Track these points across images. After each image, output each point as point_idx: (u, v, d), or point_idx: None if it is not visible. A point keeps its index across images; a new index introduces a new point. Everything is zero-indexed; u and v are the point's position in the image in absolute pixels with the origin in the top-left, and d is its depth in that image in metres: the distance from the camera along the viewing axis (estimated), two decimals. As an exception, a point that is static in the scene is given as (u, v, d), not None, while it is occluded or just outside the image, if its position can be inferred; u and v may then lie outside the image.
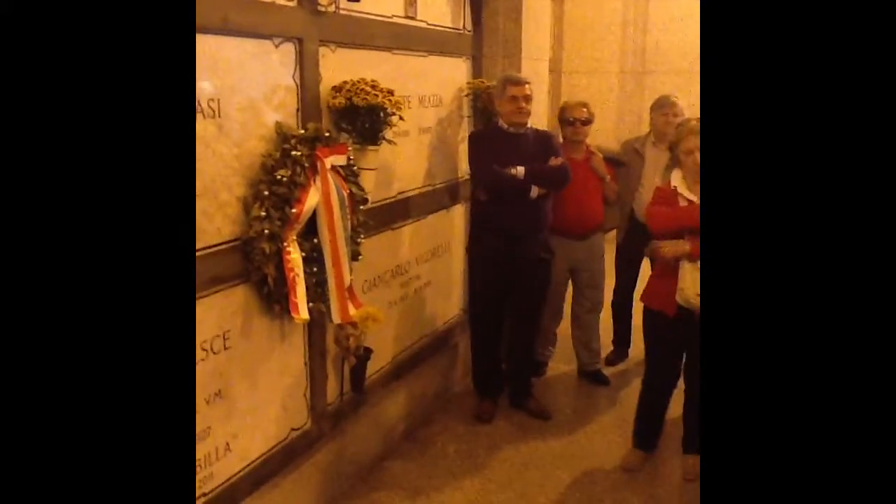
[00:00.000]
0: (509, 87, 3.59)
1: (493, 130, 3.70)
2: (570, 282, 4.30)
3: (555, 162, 3.60)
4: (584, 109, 4.10)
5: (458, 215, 4.20)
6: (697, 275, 3.03)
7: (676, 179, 3.16)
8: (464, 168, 4.16)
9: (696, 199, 3.09)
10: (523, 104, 3.58)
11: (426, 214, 3.82)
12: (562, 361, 4.52)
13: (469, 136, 3.87)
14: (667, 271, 3.16)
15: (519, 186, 3.54)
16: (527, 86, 3.60)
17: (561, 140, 4.04)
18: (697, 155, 3.04)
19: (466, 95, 4.07)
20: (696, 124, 3.13)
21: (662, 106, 4.17)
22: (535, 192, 3.57)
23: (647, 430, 3.46)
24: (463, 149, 4.13)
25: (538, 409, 3.94)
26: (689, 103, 4.38)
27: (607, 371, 4.46)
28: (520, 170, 3.53)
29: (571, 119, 4.06)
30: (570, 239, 4.08)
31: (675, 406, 3.44)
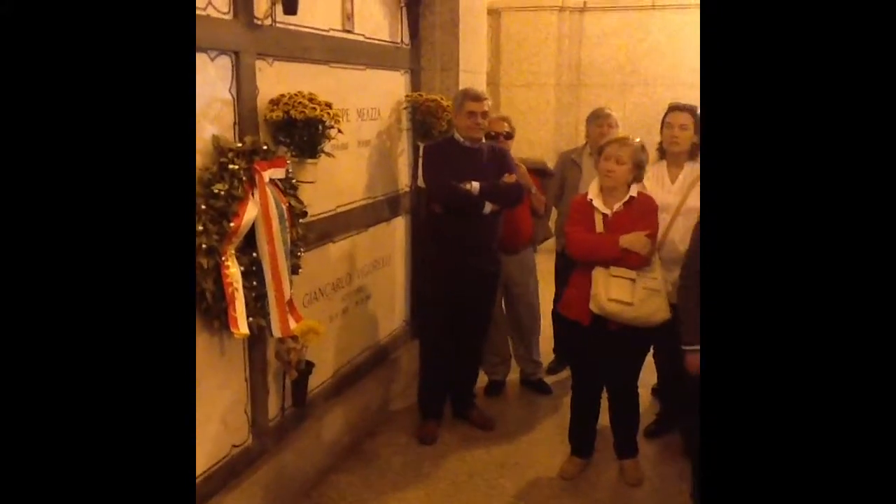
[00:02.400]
0: (468, 102, 3.61)
1: (449, 143, 3.71)
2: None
3: (509, 178, 3.64)
4: (506, 123, 4.13)
5: (399, 228, 4.22)
6: (610, 281, 3.10)
7: (593, 191, 3.23)
8: (404, 181, 4.18)
9: (609, 211, 3.17)
10: (480, 120, 3.61)
11: (367, 227, 3.82)
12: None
13: (424, 149, 3.88)
14: (580, 281, 3.22)
15: (473, 202, 3.57)
16: (485, 102, 3.64)
17: None
18: (612, 164, 3.12)
19: (405, 108, 4.10)
20: (627, 138, 3.22)
21: (598, 118, 4.26)
22: (488, 207, 3.59)
23: (582, 437, 3.52)
24: (403, 161, 4.16)
25: (481, 419, 3.96)
26: (623, 115, 4.52)
27: (549, 379, 4.50)
28: (475, 185, 3.55)
29: (493, 133, 4.05)
30: (502, 253, 4.10)
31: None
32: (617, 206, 3.18)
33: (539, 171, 4.27)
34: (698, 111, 3.52)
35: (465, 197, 3.53)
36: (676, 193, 3.48)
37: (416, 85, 4.23)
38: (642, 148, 3.20)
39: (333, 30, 3.34)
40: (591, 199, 3.22)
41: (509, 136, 4.13)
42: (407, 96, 4.11)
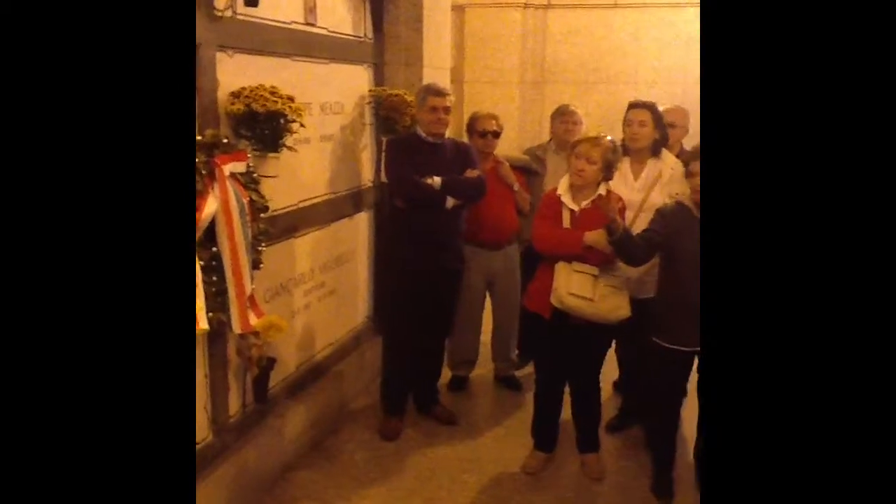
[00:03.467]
0: (430, 97, 3.60)
1: (412, 138, 3.70)
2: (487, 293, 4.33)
3: (471, 174, 3.64)
4: (494, 121, 4.12)
5: (362, 223, 4.19)
6: (572, 276, 3.12)
7: (563, 187, 3.25)
8: (367, 176, 4.15)
9: (577, 208, 3.19)
10: (443, 115, 3.60)
11: (329, 222, 3.79)
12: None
13: (386, 143, 3.85)
14: (544, 274, 3.24)
15: (435, 197, 3.55)
16: (448, 97, 3.63)
17: None
18: (583, 163, 3.13)
19: (369, 103, 4.07)
20: (600, 137, 3.24)
21: (562, 114, 4.28)
22: (450, 202, 3.58)
23: (544, 432, 3.53)
24: (366, 156, 4.13)
25: (445, 415, 3.95)
26: (587, 112, 4.53)
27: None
28: (436, 180, 3.53)
29: (482, 131, 4.07)
30: (486, 250, 4.11)
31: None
32: (585, 203, 3.20)
33: (524, 169, 4.27)
34: (657, 107, 3.56)
35: (426, 192, 3.52)
36: (639, 190, 3.51)
37: (379, 80, 4.21)
38: (614, 149, 3.21)
39: (296, 23, 3.31)
40: (561, 195, 3.24)
41: (497, 134, 4.12)
42: (370, 91, 4.09)
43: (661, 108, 3.84)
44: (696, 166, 2.97)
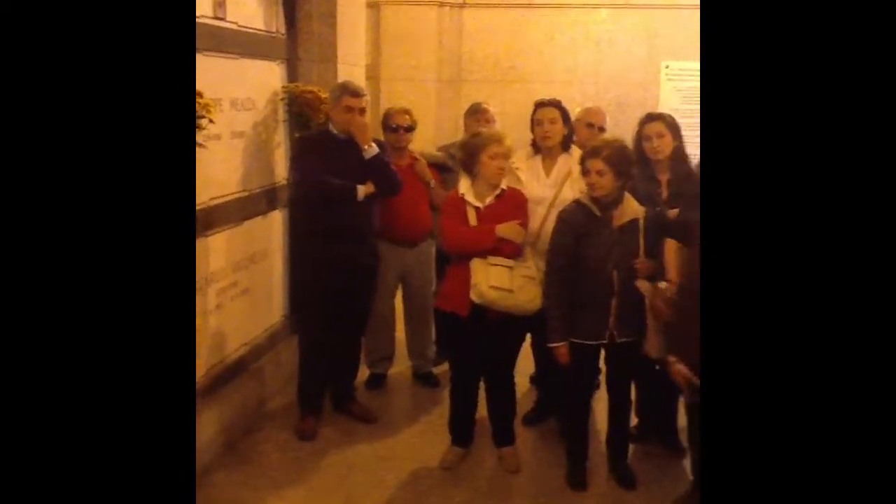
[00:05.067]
0: (346, 97, 3.58)
1: (324, 136, 3.66)
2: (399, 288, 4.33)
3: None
4: (407, 116, 4.12)
5: (276, 221, 4.13)
6: (490, 269, 3.17)
7: (464, 187, 3.30)
8: (281, 173, 4.10)
9: (481, 204, 3.24)
10: (357, 115, 3.58)
11: (242, 220, 3.72)
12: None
13: (297, 140, 3.80)
14: (456, 273, 3.28)
15: (345, 193, 3.53)
16: (363, 98, 3.61)
17: None
18: (502, 161, 3.18)
19: (282, 100, 4.02)
20: (497, 132, 3.29)
21: (475, 112, 4.32)
22: (361, 193, 3.57)
23: (461, 427, 3.56)
24: (280, 154, 4.08)
25: (362, 412, 3.94)
26: (503, 110, 4.58)
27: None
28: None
29: (395, 126, 4.07)
30: (400, 246, 4.11)
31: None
32: (489, 199, 3.25)
33: (439, 166, 4.28)
34: (563, 104, 3.63)
35: (334, 190, 3.51)
36: (552, 186, 3.57)
37: (293, 76, 4.16)
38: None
39: (204, 16, 3.23)
40: (464, 194, 3.28)
41: (410, 128, 4.11)
42: (283, 87, 4.03)
43: (582, 108, 3.93)
44: (591, 164, 3.04)
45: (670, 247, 3.13)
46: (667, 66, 6.82)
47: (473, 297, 3.18)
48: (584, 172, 3.08)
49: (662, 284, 3.06)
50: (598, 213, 3.09)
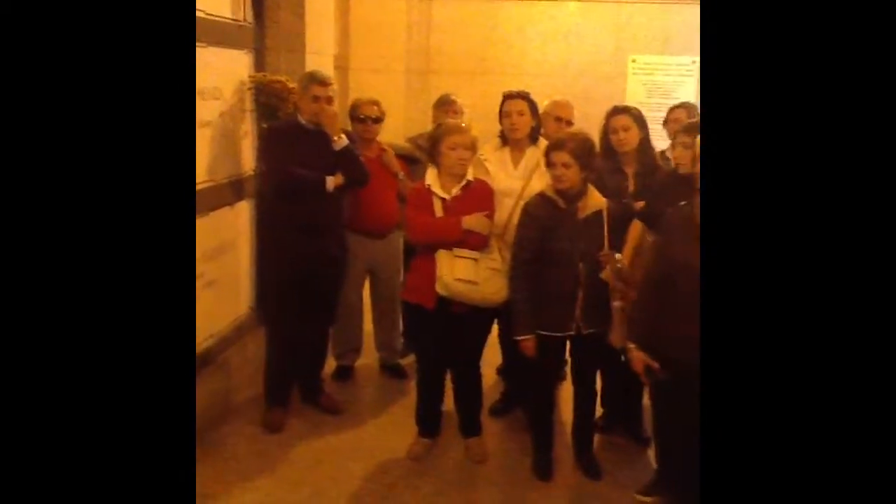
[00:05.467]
0: (313, 86, 3.55)
1: (292, 126, 3.63)
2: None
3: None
4: (376, 107, 4.09)
5: (243, 212, 4.09)
6: (455, 261, 3.18)
7: (431, 177, 3.30)
8: (248, 164, 4.06)
9: (447, 195, 3.24)
10: (325, 105, 3.56)
11: (208, 211, 3.68)
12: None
13: (266, 130, 3.76)
14: (422, 265, 3.28)
15: (314, 184, 3.51)
16: (330, 87, 3.59)
17: None
18: (462, 151, 3.19)
19: (249, 89, 3.98)
20: (459, 124, 3.30)
21: (443, 104, 4.32)
22: (330, 184, 3.55)
23: (428, 418, 3.58)
24: (247, 144, 4.04)
25: (329, 404, 3.94)
26: (472, 103, 4.58)
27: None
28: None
29: (362, 116, 4.04)
30: (368, 238, 4.10)
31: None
32: (455, 190, 3.26)
33: (408, 158, 4.27)
34: (531, 96, 3.65)
35: (303, 181, 3.49)
36: (520, 178, 3.59)
37: (260, 65, 4.12)
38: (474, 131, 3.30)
39: (170, 4, 3.19)
40: (430, 185, 3.28)
41: (378, 119, 4.09)
42: (251, 76, 3.99)
43: (550, 101, 3.94)
44: (556, 156, 3.06)
45: (635, 226, 3.17)
46: (633, 60, 6.89)
47: (439, 289, 3.19)
48: (550, 165, 3.10)
49: (618, 256, 3.10)
50: (563, 205, 3.11)
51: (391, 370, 4.45)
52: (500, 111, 3.66)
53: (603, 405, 3.71)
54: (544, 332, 3.19)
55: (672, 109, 4.24)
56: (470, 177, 3.29)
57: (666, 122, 4.20)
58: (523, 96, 3.61)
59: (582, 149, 3.06)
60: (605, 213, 3.16)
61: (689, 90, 6.77)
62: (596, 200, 3.16)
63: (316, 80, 3.58)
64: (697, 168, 2.63)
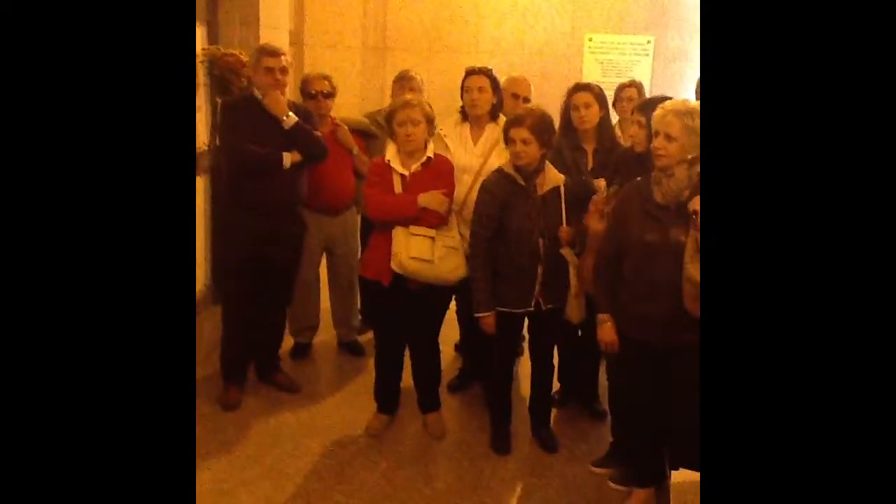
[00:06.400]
0: (264, 58, 3.49)
1: (248, 101, 3.57)
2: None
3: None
4: (327, 82, 4.05)
5: (197, 188, 4.03)
6: (411, 239, 3.18)
7: (390, 153, 3.28)
8: (202, 139, 3.99)
9: (407, 172, 3.23)
10: (279, 76, 3.50)
11: (161, 187, 3.61)
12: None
13: (221, 106, 3.69)
14: (379, 242, 3.27)
15: (271, 160, 3.47)
16: (283, 57, 3.53)
17: None
18: (409, 127, 3.17)
19: (202, 62, 3.90)
20: (410, 99, 3.27)
21: (401, 79, 4.30)
22: (287, 160, 3.50)
23: (386, 394, 3.59)
24: (201, 118, 3.97)
25: (286, 381, 3.92)
26: (427, 79, 4.55)
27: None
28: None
29: (313, 92, 4.00)
30: (324, 215, 4.06)
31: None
32: (415, 166, 3.24)
33: (363, 133, 4.22)
34: (493, 73, 3.64)
35: (261, 159, 3.44)
36: (479, 155, 3.59)
37: (213, 38, 4.04)
38: (428, 103, 3.28)
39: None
40: (389, 161, 3.26)
41: (329, 94, 4.04)
42: (203, 49, 3.91)
43: (508, 78, 3.94)
44: (516, 133, 3.06)
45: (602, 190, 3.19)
46: (590, 39, 6.91)
47: (394, 266, 3.18)
48: (509, 141, 3.10)
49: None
50: (521, 182, 3.12)
51: (349, 347, 4.44)
52: (462, 87, 3.64)
53: (559, 380, 3.75)
54: (504, 309, 3.21)
55: (623, 88, 4.26)
56: (430, 153, 3.28)
57: (616, 101, 4.23)
58: (486, 73, 3.60)
59: (541, 125, 3.07)
60: (562, 190, 3.18)
61: (644, 69, 6.84)
62: (554, 177, 3.18)
63: (266, 51, 3.52)
64: (651, 146, 2.66)
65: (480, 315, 3.20)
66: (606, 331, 2.83)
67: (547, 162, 3.18)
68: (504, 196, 3.12)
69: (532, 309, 3.22)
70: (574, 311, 3.19)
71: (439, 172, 3.29)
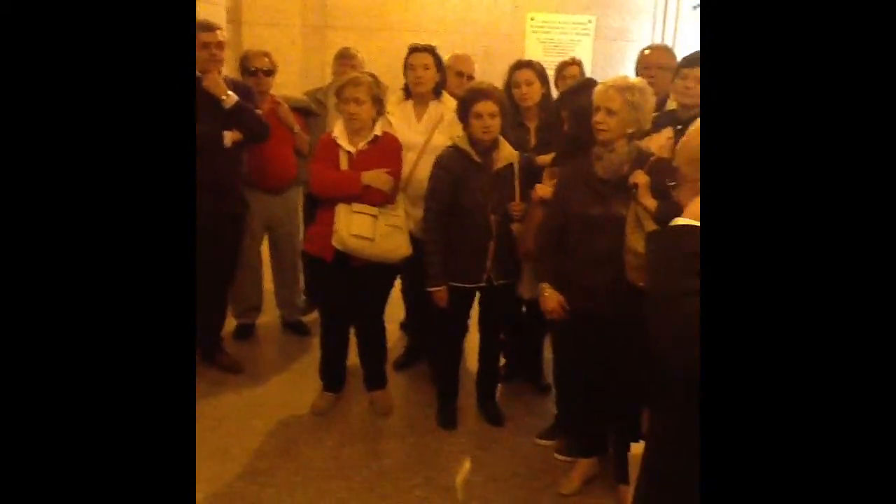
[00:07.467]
0: (200, 34, 3.39)
1: None
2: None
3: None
4: (266, 59, 4.01)
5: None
6: (352, 217, 3.16)
7: (338, 130, 3.26)
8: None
9: (354, 149, 3.22)
10: (215, 50, 3.43)
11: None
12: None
13: None
14: (324, 217, 3.26)
15: (211, 137, 3.41)
16: (218, 32, 3.46)
17: None
18: (353, 106, 3.14)
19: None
20: (358, 76, 3.25)
21: (342, 57, 4.27)
22: (228, 139, 3.44)
23: (332, 373, 3.58)
24: (137, 95, 3.86)
25: (229, 362, 3.87)
26: (368, 59, 4.52)
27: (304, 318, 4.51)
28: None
29: (253, 69, 3.95)
30: (265, 194, 4.02)
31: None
32: (362, 144, 3.22)
33: (303, 111, 4.18)
34: (437, 50, 3.63)
35: (200, 139, 3.37)
36: (423, 132, 3.58)
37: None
38: (377, 82, 3.25)
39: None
40: (337, 138, 3.24)
41: (270, 72, 3.99)
42: (138, 25, 3.80)
43: (452, 56, 3.93)
44: (483, 107, 3.05)
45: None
46: (532, 18, 6.94)
47: (335, 242, 3.16)
48: (475, 116, 3.08)
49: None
50: (476, 158, 3.12)
51: (293, 327, 4.41)
52: (405, 64, 3.62)
53: (504, 356, 3.79)
54: (456, 283, 3.22)
55: (566, 66, 4.29)
56: (378, 131, 3.25)
57: (559, 79, 4.26)
58: (429, 50, 3.59)
59: (504, 99, 3.10)
60: (516, 166, 3.19)
61: (585, 48, 6.90)
62: (508, 153, 3.19)
63: (202, 27, 3.44)
64: (592, 120, 2.69)
65: (432, 289, 3.20)
66: (549, 299, 2.87)
67: (500, 137, 3.18)
68: (458, 172, 3.13)
69: (483, 284, 3.24)
70: (526, 287, 3.22)
71: (387, 151, 3.27)
